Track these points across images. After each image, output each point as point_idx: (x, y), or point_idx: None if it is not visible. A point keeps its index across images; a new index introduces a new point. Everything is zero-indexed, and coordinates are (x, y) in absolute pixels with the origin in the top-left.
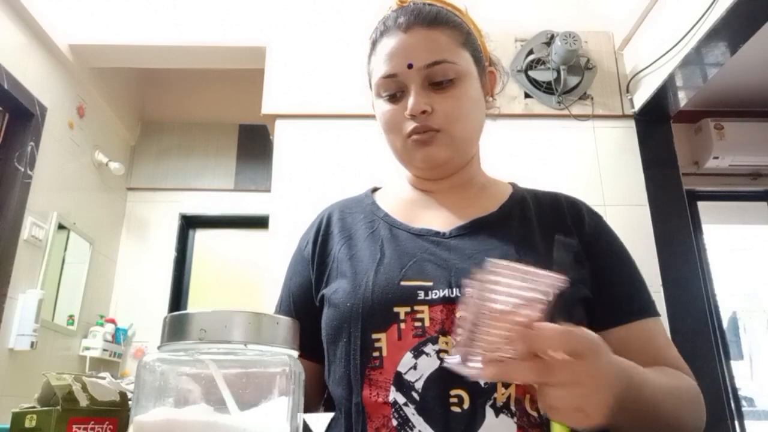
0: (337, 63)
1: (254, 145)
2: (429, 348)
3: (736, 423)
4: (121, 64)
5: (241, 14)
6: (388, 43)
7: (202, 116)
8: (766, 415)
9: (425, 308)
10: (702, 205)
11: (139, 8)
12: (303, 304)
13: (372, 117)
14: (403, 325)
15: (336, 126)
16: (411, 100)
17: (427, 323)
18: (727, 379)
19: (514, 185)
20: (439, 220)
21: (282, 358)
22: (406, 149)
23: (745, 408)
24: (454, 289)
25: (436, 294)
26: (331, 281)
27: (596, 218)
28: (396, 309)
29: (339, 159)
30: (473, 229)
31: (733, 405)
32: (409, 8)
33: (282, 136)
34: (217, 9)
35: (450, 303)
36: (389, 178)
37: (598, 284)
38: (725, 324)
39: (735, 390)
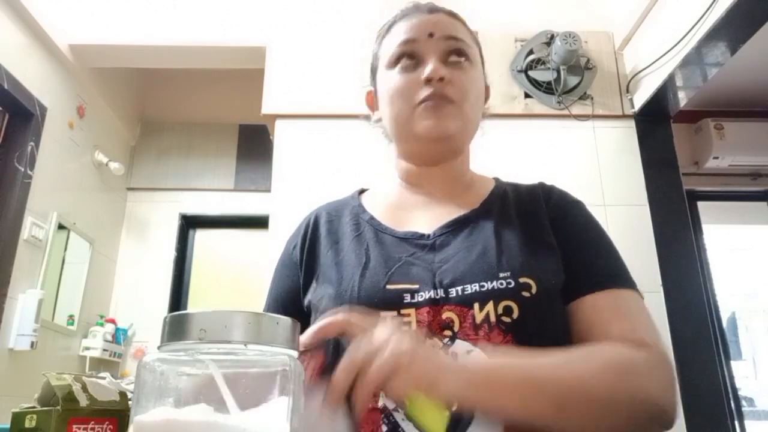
0: (337, 63)
1: (254, 145)
2: None
3: (736, 423)
4: (121, 64)
5: (241, 14)
6: (409, 20)
7: (202, 116)
8: (766, 415)
9: (412, 311)
10: (702, 205)
11: (139, 8)
12: (292, 310)
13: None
14: None
15: (336, 126)
16: (431, 66)
17: (414, 326)
18: (727, 379)
19: (497, 180)
20: (425, 221)
21: (282, 358)
22: (414, 117)
23: (745, 408)
24: (439, 290)
25: (422, 296)
26: (318, 287)
27: (566, 198)
28: (382, 314)
29: (339, 159)
30: (456, 227)
31: (733, 405)
32: (426, 4)
33: (282, 136)
34: (217, 9)
35: (436, 305)
36: (378, 181)
37: (564, 258)
38: (725, 324)
39: (735, 390)
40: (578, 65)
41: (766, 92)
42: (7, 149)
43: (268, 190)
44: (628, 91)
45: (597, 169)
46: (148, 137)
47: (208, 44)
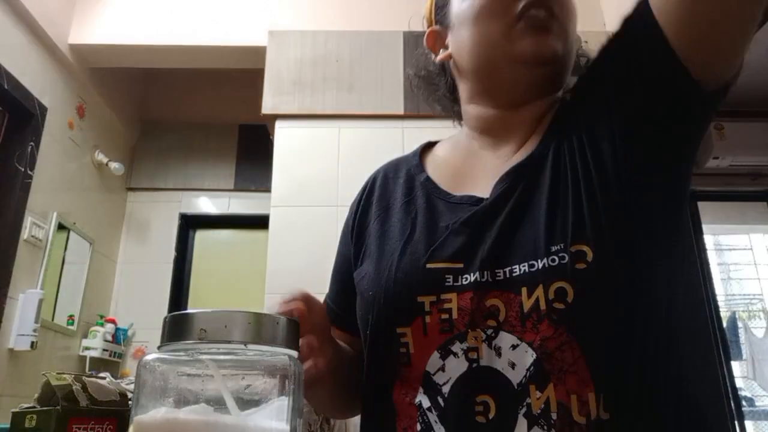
0: (337, 63)
1: (254, 145)
2: (457, 347)
3: (736, 423)
4: (121, 64)
5: (241, 14)
6: None
7: (202, 116)
8: (766, 415)
9: (453, 296)
10: (702, 205)
11: (139, 8)
12: (349, 280)
13: (372, 117)
14: (428, 318)
15: (336, 126)
16: None
17: (455, 314)
18: (727, 379)
19: (562, 100)
20: (489, 181)
21: (282, 358)
22: (511, 36)
23: (745, 408)
24: (486, 273)
25: (466, 279)
26: (362, 262)
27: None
28: (420, 299)
29: (339, 159)
30: (511, 184)
31: (733, 405)
32: None
33: (282, 136)
34: (217, 9)
35: (480, 289)
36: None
37: (624, 87)
38: (725, 324)
39: (735, 390)
40: (578, 65)
41: (766, 92)
42: (7, 149)
43: (268, 190)
44: None
45: None
46: (148, 137)
47: (208, 44)
